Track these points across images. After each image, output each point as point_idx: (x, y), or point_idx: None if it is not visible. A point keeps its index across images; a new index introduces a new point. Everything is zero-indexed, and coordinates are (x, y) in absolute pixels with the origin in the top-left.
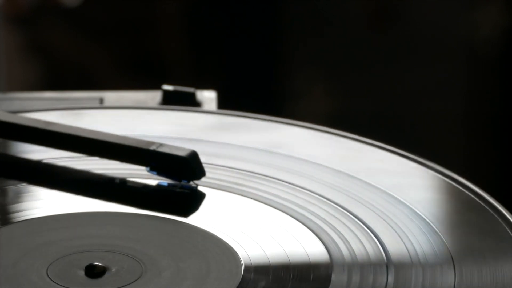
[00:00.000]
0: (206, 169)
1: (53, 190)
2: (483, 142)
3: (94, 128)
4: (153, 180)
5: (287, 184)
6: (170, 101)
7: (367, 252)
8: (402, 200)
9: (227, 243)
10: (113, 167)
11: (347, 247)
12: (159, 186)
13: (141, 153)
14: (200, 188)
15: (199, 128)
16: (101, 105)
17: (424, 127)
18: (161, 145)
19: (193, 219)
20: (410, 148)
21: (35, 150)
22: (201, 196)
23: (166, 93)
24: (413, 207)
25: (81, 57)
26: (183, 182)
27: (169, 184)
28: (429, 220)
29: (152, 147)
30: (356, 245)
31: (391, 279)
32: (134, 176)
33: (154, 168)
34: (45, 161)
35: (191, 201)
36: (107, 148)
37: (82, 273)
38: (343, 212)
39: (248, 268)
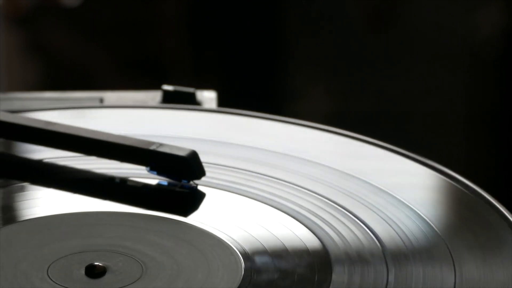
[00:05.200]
0: (206, 169)
1: (53, 190)
2: (483, 142)
3: (94, 127)
4: (153, 180)
5: (287, 183)
6: (170, 101)
7: (367, 253)
8: (401, 199)
9: (227, 243)
10: (113, 167)
11: (347, 247)
12: (159, 185)
13: (141, 153)
14: (200, 187)
15: (199, 127)
16: (101, 104)
17: (424, 127)
18: (161, 145)
19: (193, 219)
20: (410, 148)
21: (35, 149)
22: (201, 195)
23: (166, 93)
24: (413, 207)
25: (81, 57)
26: (183, 182)
27: (169, 183)
28: (429, 220)
29: (152, 147)
30: (356, 245)
31: (391, 279)
32: (133, 175)
33: (154, 168)
34: (45, 160)
35: (191, 200)
36: (107, 148)
37: (82, 273)
38: (343, 212)
39: (248, 268)
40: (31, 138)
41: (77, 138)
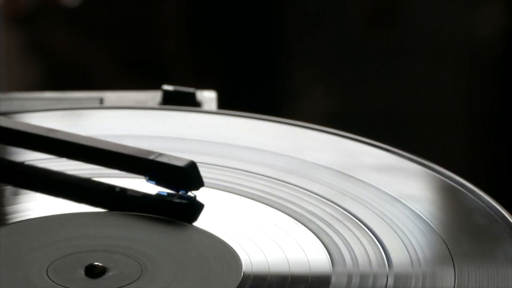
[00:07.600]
0: (205, 169)
1: (53, 192)
2: (483, 142)
3: (94, 128)
4: (152, 187)
5: (287, 184)
6: (170, 101)
7: (366, 252)
8: (402, 201)
9: (227, 244)
10: (113, 173)
11: (348, 250)
12: (158, 195)
13: (140, 163)
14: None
15: (199, 128)
16: (101, 105)
17: (424, 127)
18: (160, 154)
19: (193, 220)
20: (410, 149)
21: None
22: (201, 201)
23: (166, 93)
24: (414, 208)
25: (81, 57)
26: (182, 193)
27: (168, 193)
28: (429, 221)
29: (151, 157)
30: (356, 245)
31: (391, 280)
32: (133, 177)
33: (153, 178)
34: (46, 163)
35: (191, 204)
36: (107, 157)
37: (82, 273)
38: (344, 213)
39: (248, 268)
40: (31, 145)
41: (77, 146)
